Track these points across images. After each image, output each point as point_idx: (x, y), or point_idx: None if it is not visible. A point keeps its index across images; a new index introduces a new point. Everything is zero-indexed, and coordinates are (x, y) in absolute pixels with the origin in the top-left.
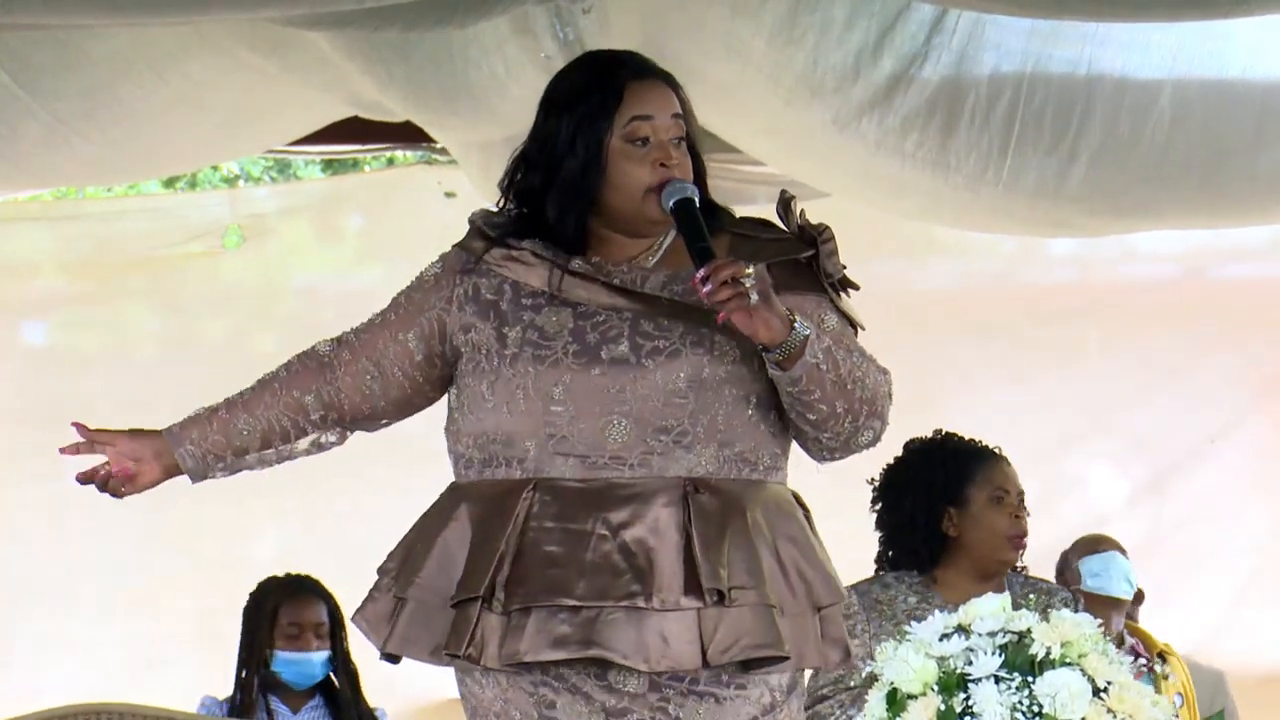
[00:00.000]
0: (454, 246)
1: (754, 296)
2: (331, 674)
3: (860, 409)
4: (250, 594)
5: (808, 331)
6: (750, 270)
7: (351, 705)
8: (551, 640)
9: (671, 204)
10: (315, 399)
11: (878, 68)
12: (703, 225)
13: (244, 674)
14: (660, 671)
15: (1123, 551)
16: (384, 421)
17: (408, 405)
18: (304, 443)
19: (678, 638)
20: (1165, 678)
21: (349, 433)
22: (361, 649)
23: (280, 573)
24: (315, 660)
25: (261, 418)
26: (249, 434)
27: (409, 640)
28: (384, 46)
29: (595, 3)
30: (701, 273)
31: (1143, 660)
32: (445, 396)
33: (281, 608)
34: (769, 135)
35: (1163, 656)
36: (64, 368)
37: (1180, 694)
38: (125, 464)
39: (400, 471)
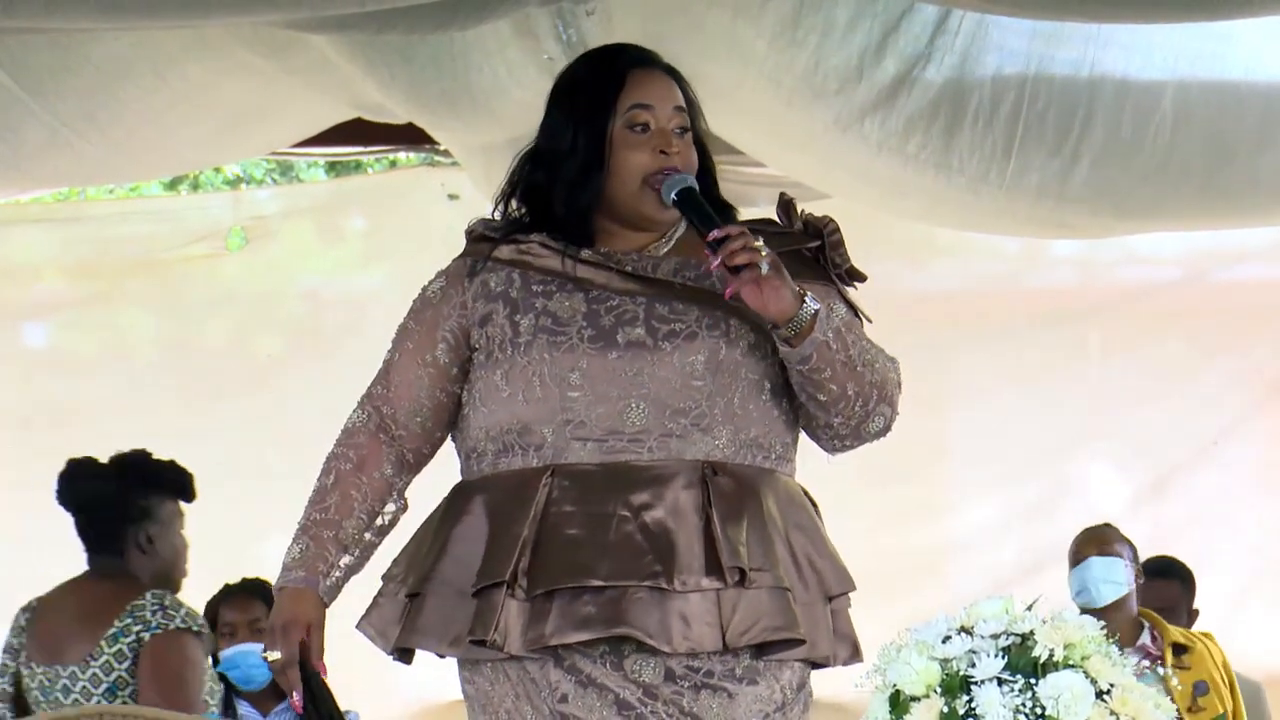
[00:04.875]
0: (456, 258)
1: (765, 266)
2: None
3: (870, 393)
4: None
5: (817, 306)
6: (761, 241)
7: (326, 699)
8: (576, 622)
9: (674, 195)
10: (394, 467)
11: (880, 69)
12: (707, 207)
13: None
14: (681, 653)
15: (1106, 545)
16: (434, 454)
17: (451, 426)
18: (396, 512)
19: (697, 619)
20: (1172, 677)
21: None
22: (363, 655)
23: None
24: (254, 652)
25: (361, 514)
26: (358, 534)
27: (424, 633)
28: (386, 49)
29: (597, 4)
30: (715, 233)
31: (1145, 662)
32: None
33: (220, 610)
34: (771, 137)
35: (1178, 647)
36: (65, 370)
37: (1204, 681)
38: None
39: None
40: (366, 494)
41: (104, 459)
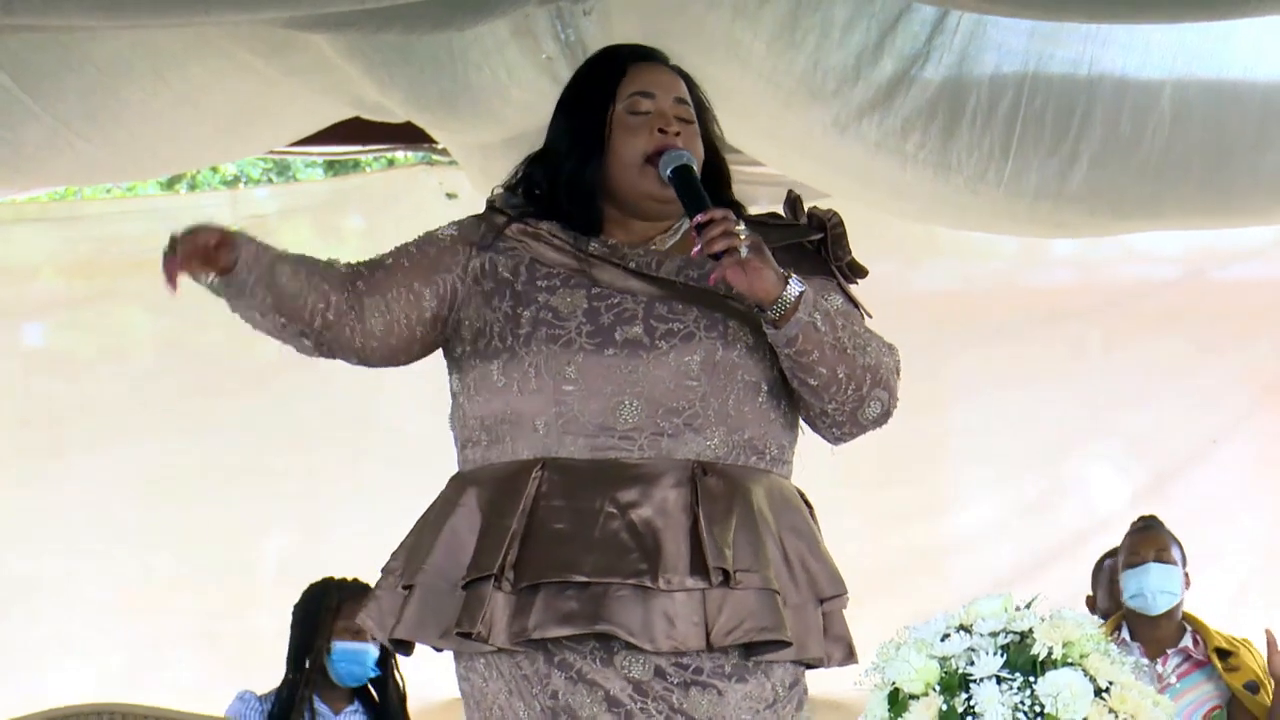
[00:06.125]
0: (473, 217)
1: (744, 250)
2: (371, 684)
3: (863, 376)
4: (308, 592)
5: (802, 288)
6: (743, 226)
7: (398, 716)
8: (559, 616)
9: (669, 171)
10: (341, 299)
11: (878, 69)
12: (701, 189)
13: (302, 665)
14: (665, 651)
15: (1164, 551)
16: (355, 360)
17: (391, 356)
18: (294, 329)
19: (682, 618)
20: (1231, 670)
21: (319, 353)
22: None
23: (340, 576)
24: (372, 656)
25: (299, 279)
26: (285, 283)
27: (419, 625)
28: (385, 48)
29: (596, 4)
30: (699, 217)
31: (1185, 664)
32: (449, 385)
33: (346, 604)
34: (769, 137)
35: (1222, 652)
36: (63, 369)
37: (1254, 681)
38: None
39: (402, 474)
40: (315, 287)
41: None
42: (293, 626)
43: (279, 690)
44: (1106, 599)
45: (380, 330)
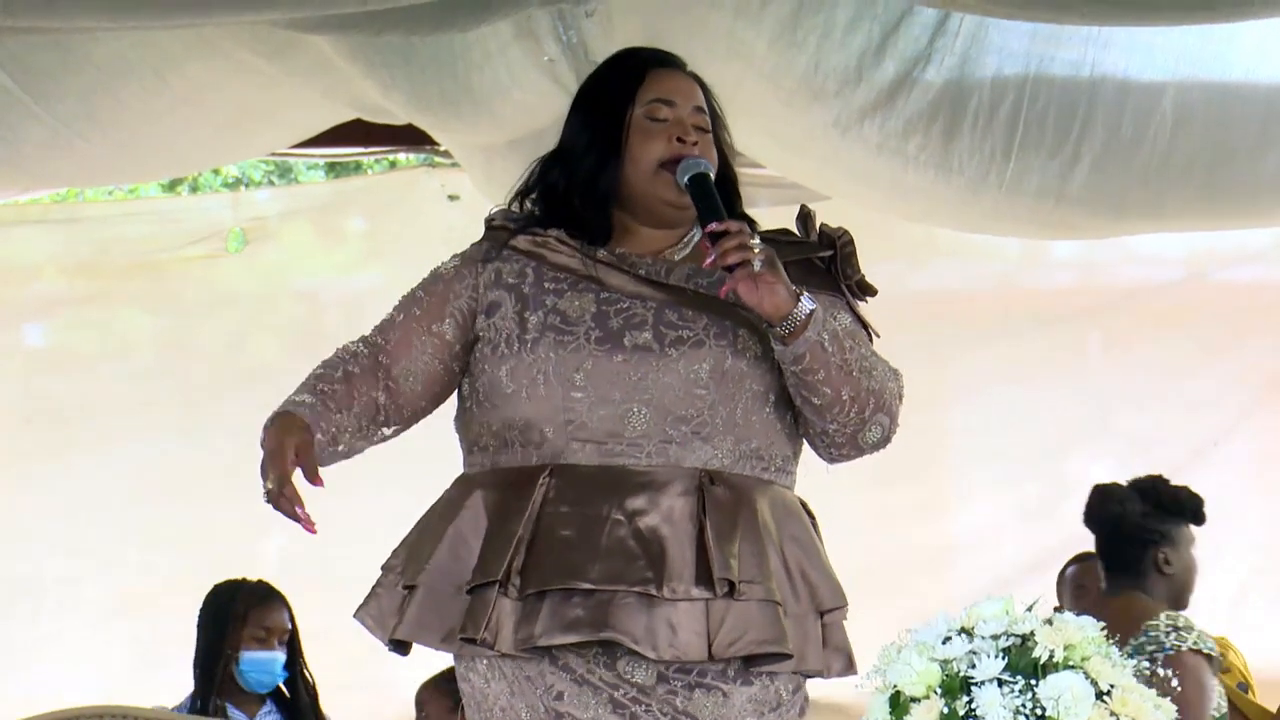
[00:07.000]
0: (474, 244)
1: (758, 264)
2: (281, 683)
3: (867, 400)
4: (214, 595)
5: (813, 307)
6: (757, 240)
7: (310, 712)
8: (565, 624)
9: (686, 179)
10: (385, 397)
11: (880, 70)
12: (717, 198)
13: (211, 674)
14: (667, 661)
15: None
16: (415, 422)
17: (438, 399)
18: (371, 440)
19: (685, 628)
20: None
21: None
22: (361, 652)
23: (251, 577)
24: (279, 661)
25: (351, 414)
26: (341, 429)
27: (420, 626)
28: (386, 50)
29: (598, 6)
30: (714, 225)
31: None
32: (458, 389)
33: (252, 611)
34: (770, 137)
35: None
36: (64, 370)
37: (1244, 683)
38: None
39: (405, 473)
40: (362, 404)
41: (1124, 483)
42: (199, 630)
43: (191, 700)
44: (1073, 607)
45: (420, 388)
